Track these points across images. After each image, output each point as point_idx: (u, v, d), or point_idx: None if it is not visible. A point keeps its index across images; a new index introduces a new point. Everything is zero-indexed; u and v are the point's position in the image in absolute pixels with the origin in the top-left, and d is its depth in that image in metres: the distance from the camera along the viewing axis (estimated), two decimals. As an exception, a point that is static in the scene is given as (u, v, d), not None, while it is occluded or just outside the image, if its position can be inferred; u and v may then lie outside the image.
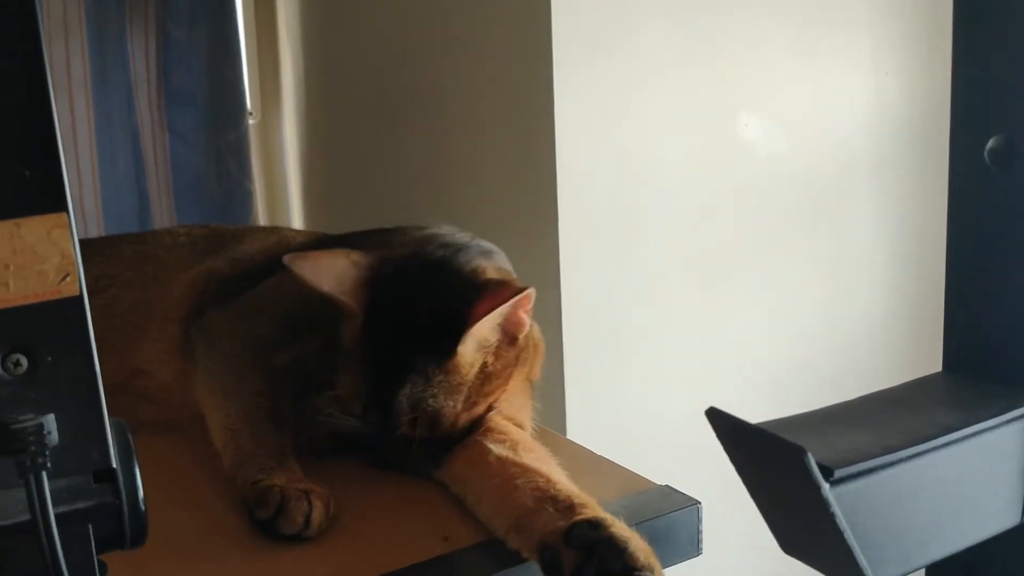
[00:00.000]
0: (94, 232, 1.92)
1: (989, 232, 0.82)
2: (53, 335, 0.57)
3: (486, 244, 1.17)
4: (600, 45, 1.51)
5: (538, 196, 1.54)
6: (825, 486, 0.68)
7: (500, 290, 1.05)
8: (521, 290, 1.04)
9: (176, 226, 1.56)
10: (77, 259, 0.56)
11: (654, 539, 0.86)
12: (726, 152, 1.65)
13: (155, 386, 1.20)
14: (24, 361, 0.56)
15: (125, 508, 0.59)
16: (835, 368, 1.81)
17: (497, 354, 1.07)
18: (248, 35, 2.17)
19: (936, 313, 0.89)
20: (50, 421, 0.57)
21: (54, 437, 0.57)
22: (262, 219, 2.22)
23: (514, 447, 1.02)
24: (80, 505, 0.58)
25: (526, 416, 1.15)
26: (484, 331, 1.05)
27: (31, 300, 0.56)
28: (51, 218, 0.56)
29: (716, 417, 0.75)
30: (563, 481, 0.95)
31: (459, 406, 1.04)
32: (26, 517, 0.55)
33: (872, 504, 0.71)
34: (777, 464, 0.72)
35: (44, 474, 0.55)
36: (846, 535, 0.68)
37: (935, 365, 0.88)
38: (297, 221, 2.27)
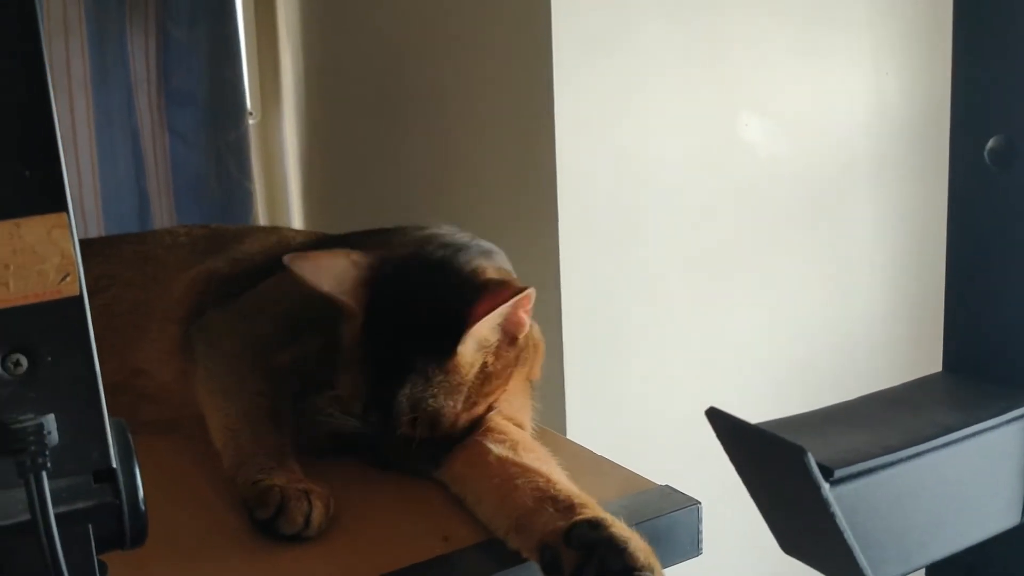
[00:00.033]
0: (94, 232, 1.92)
1: (989, 232, 0.82)
2: (53, 335, 0.57)
3: (486, 244, 1.17)
4: (600, 45, 1.51)
5: (538, 196, 1.54)
6: (825, 486, 0.68)
7: (500, 290, 1.05)
8: (521, 290, 1.04)
9: (176, 226, 1.56)
10: (77, 259, 0.56)
11: (654, 539, 0.86)
12: (726, 152, 1.65)
13: (155, 386, 1.20)
14: (24, 361, 0.56)
15: (125, 508, 0.59)
16: (835, 368, 1.81)
17: (497, 354, 1.07)
18: (248, 35, 2.17)
19: (936, 313, 0.89)
20: (50, 421, 0.57)
21: (54, 437, 0.57)
22: (262, 219, 2.22)
23: (514, 447, 1.02)
24: (80, 505, 0.58)
25: (526, 416, 1.15)
26: (484, 331, 1.05)
27: (31, 300, 0.56)
28: (51, 218, 0.56)
29: (716, 417, 0.75)
30: (563, 481, 0.95)
31: (459, 406, 1.04)
32: (26, 517, 0.55)
33: (872, 504, 0.71)
34: (777, 464, 0.72)
35: (44, 474, 0.55)
36: (846, 535, 0.68)
37: (935, 365, 0.88)
38: (297, 221, 2.27)
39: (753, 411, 0.77)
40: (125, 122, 1.97)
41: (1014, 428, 0.78)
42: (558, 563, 0.85)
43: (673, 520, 0.99)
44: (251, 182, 2.11)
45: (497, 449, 1.02)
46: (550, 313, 1.52)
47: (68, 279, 0.56)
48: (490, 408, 1.08)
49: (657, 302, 1.63)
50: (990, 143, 0.80)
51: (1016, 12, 0.78)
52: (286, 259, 1.06)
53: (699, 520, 1.00)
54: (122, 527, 0.60)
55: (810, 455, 0.67)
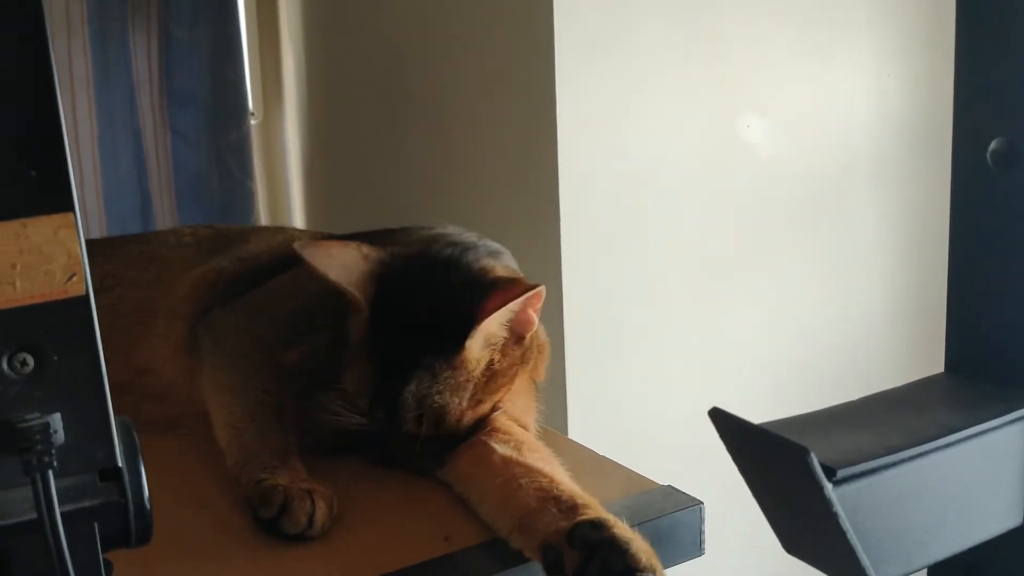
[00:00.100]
0: (96, 232, 1.92)
1: (991, 233, 0.83)
2: (59, 334, 0.57)
3: (493, 244, 1.17)
4: (601, 45, 1.51)
5: (540, 196, 1.54)
6: (828, 486, 0.68)
7: (511, 286, 1.05)
8: (532, 287, 1.04)
9: (180, 226, 1.56)
10: (83, 259, 0.57)
11: (656, 539, 0.87)
12: (728, 152, 1.66)
13: (160, 384, 1.20)
14: (30, 360, 0.57)
15: (131, 507, 0.59)
16: (836, 368, 1.81)
17: (504, 352, 1.07)
18: (250, 35, 2.17)
19: (938, 314, 0.89)
20: (56, 420, 0.57)
21: (60, 436, 0.57)
22: (263, 219, 2.22)
23: (518, 447, 1.02)
24: (86, 504, 0.58)
25: (530, 417, 1.15)
26: (493, 327, 1.05)
27: (37, 300, 0.56)
28: (57, 218, 0.56)
29: (719, 417, 0.75)
30: (566, 482, 0.96)
31: (464, 403, 1.04)
32: (32, 516, 0.55)
33: (874, 504, 0.71)
34: (780, 464, 0.72)
35: (50, 473, 0.55)
36: (848, 535, 0.68)
37: (937, 366, 0.89)
38: (299, 221, 2.27)
39: (754, 411, 0.77)
40: (127, 122, 1.97)
41: (1016, 429, 0.78)
42: (560, 563, 0.86)
43: (675, 520, 0.99)
44: (253, 182, 2.11)
45: (501, 449, 1.02)
46: (551, 313, 1.52)
47: (74, 279, 0.57)
48: (495, 407, 1.08)
49: (658, 302, 1.64)
50: (992, 145, 0.80)
51: (1018, 13, 0.78)
52: (297, 245, 1.06)
53: (701, 520, 1.00)
54: (127, 526, 0.60)
55: (813, 455, 0.67)
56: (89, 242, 0.58)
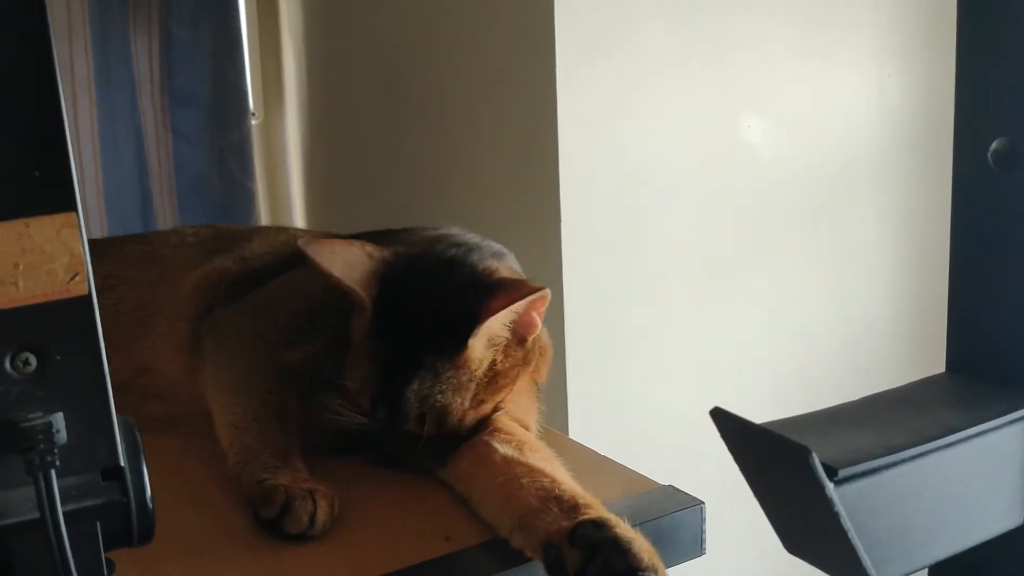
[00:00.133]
0: (97, 231, 1.92)
1: (992, 233, 0.83)
2: (62, 334, 0.57)
3: (496, 246, 1.18)
4: (602, 45, 1.51)
5: (541, 196, 1.54)
6: (829, 486, 0.68)
7: (516, 288, 1.05)
8: (537, 289, 1.04)
9: (182, 226, 1.56)
10: (86, 259, 0.57)
11: (657, 539, 0.87)
12: (728, 153, 1.66)
13: (162, 383, 1.20)
14: (33, 360, 0.57)
15: (133, 506, 0.60)
16: (837, 368, 1.81)
17: (506, 353, 1.07)
18: (251, 35, 2.17)
19: (939, 314, 0.89)
20: (59, 419, 0.57)
21: (63, 435, 0.57)
22: (264, 219, 2.22)
23: (520, 447, 1.02)
24: (88, 503, 0.58)
25: (532, 418, 1.15)
26: (496, 327, 1.05)
27: (40, 299, 0.56)
28: (60, 218, 0.56)
29: (720, 417, 0.75)
30: (568, 482, 0.96)
31: (467, 403, 1.04)
32: (35, 515, 0.56)
33: (876, 504, 0.71)
34: (781, 464, 0.72)
35: (53, 472, 0.55)
36: (850, 535, 0.68)
37: (938, 366, 0.89)
38: (299, 221, 2.27)
39: (755, 412, 0.77)
40: (128, 122, 1.97)
41: (1017, 429, 0.78)
42: (562, 563, 0.86)
43: (676, 520, 0.99)
44: (253, 182, 2.11)
45: (503, 449, 1.02)
46: (552, 313, 1.51)
47: (77, 278, 0.57)
48: (496, 408, 1.08)
49: (659, 302, 1.64)
50: (993, 145, 0.80)
51: (1019, 13, 0.78)
52: (301, 243, 1.06)
53: (702, 520, 1.00)
54: (130, 525, 0.60)
55: (814, 455, 0.67)
56: (91, 242, 0.58)
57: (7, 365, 0.56)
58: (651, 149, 1.58)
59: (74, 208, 0.56)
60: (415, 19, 1.83)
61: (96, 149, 1.92)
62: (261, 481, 0.97)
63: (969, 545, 0.77)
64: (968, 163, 0.83)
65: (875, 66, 1.77)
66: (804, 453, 0.67)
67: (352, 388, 1.05)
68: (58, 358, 0.57)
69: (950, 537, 0.76)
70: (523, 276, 1.16)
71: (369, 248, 1.09)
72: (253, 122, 2.15)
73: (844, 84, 1.75)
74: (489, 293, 1.04)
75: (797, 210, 1.74)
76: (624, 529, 0.85)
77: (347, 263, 1.06)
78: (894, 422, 0.78)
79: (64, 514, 0.55)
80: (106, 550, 0.60)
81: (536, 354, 1.14)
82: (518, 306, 1.04)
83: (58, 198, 0.56)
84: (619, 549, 0.83)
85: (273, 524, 0.94)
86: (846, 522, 0.68)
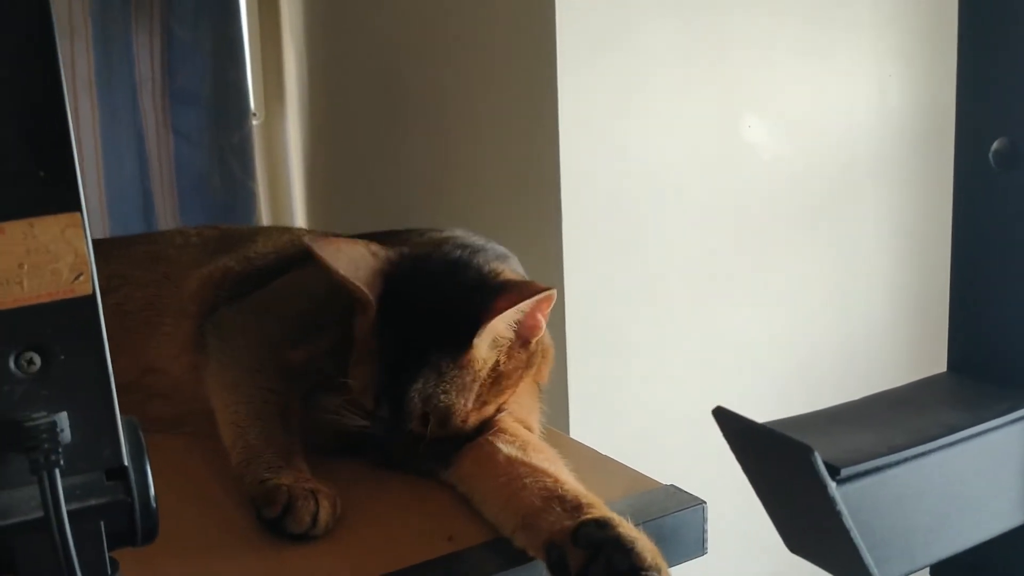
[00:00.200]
0: (98, 232, 1.92)
1: (993, 233, 0.83)
2: (66, 334, 0.57)
3: (500, 248, 1.18)
4: (603, 45, 1.52)
5: (542, 196, 1.54)
6: (831, 485, 0.68)
7: (521, 288, 1.06)
8: (543, 289, 1.04)
9: (186, 227, 1.57)
10: (90, 258, 0.57)
11: (659, 538, 0.87)
12: (729, 153, 1.66)
13: (166, 382, 1.20)
14: (37, 359, 0.57)
15: (137, 505, 0.60)
16: (838, 368, 1.81)
17: (509, 354, 1.07)
18: (252, 36, 2.17)
19: (940, 314, 0.89)
20: (63, 419, 0.57)
21: (67, 435, 0.57)
22: (265, 219, 2.22)
23: (523, 448, 1.03)
24: (92, 502, 0.59)
25: (534, 418, 1.15)
26: (501, 328, 1.05)
27: (44, 299, 0.56)
28: (64, 218, 0.56)
29: (723, 416, 0.76)
30: (571, 481, 0.96)
31: (470, 404, 1.04)
32: (39, 514, 0.56)
33: (878, 503, 0.71)
34: (784, 463, 0.72)
35: (57, 471, 0.56)
36: (852, 534, 0.68)
37: (939, 365, 0.89)
38: (300, 221, 2.27)
39: (756, 411, 0.78)
40: (129, 122, 1.97)
41: (1018, 428, 0.78)
42: (564, 562, 0.86)
43: (678, 520, 0.99)
44: (254, 182, 2.11)
45: (506, 449, 1.02)
46: (553, 313, 1.51)
47: (81, 278, 0.57)
48: (499, 409, 1.08)
49: (660, 302, 1.64)
50: (994, 145, 0.80)
51: (1020, 13, 0.78)
52: (307, 239, 1.07)
53: (704, 520, 1.00)
54: (133, 524, 0.60)
55: (817, 454, 0.67)
56: (95, 242, 0.58)
57: (11, 364, 0.56)
58: (652, 149, 1.58)
59: (78, 208, 0.56)
60: (415, 19, 1.84)
61: (97, 149, 1.93)
62: (264, 481, 0.98)
63: (970, 544, 0.77)
64: (969, 163, 0.83)
65: (875, 66, 1.77)
66: (806, 452, 0.67)
67: (355, 386, 1.06)
68: (62, 358, 0.57)
69: (952, 536, 0.76)
70: (527, 278, 1.17)
71: (374, 248, 1.09)
72: (254, 122, 2.15)
73: (844, 84, 1.76)
74: (494, 294, 1.05)
75: (798, 210, 1.74)
76: (627, 528, 0.85)
77: (352, 261, 1.06)
78: (896, 422, 0.78)
79: (68, 513, 0.56)
80: (110, 549, 0.60)
81: (539, 356, 1.14)
82: (524, 306, 1.04)
83: (62, 198, 0.56)
84: (622, 548, 0.83)
85: (276, 524, 0.94)
86: (848, 521, 0.68)
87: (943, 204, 0.90)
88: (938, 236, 0.92)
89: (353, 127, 2.05)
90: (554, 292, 1.05)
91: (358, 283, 1.05)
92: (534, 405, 1.16)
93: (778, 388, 1.76)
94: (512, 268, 1.15)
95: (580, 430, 1.55)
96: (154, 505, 0.60)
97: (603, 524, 0.85)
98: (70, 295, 0.57)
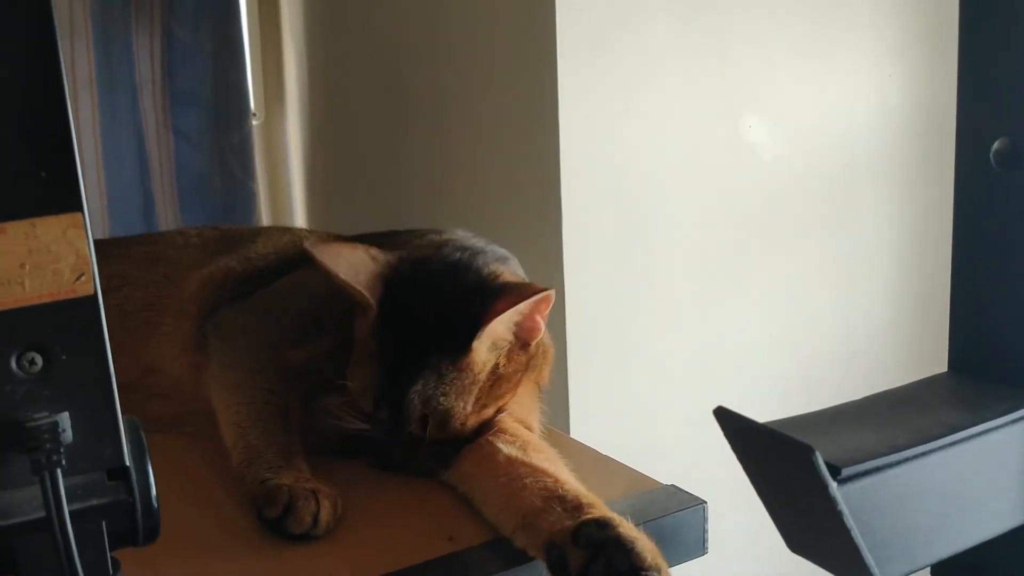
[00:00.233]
0: (99, 232, 1.92)
1: (994, 233, 0.83)
2: (68, 334, 0.57)
3: (501, 250, 1.18)
4: (604, 45, 1.52)
5: (542, 195, 1.54)
6: (832, 484, 0.68)
7: (520, 289, 1.06)
8: (541, 290, 1.04)
9: (186, 228, 1.57)
10: (92, 259, 0.57)
11: (660, 538, 0.87)
12: (730, 152, 1.66)
13: (167, 383, 1.21)
14: (39, 359, 0.57)
15: (138, 505, 0.60)
16: (839, 368, 1.81)
17: (509, 357, 1.07)
18: (252, 36, 2.17)
19: (942, 313, 0.89)
20: (64, 419, 0.57)
21: (68, 435, 0.57)
22: (265, 220, 2.23)
23: (523, 448, 1.03)
24: (94, 502, 0.59)
25: (534, 418, 1.15)
26: (500, 329, 1.05)
27: (46, 299, 0.56)
28: (66, 218, 0.56)
29: (724, 416, 0.76)
30: (571, 481, 0.96)
31: (469, 407, 1.04)
32: (41, 514, 0.56)
33: (879, 503, 0.71)
34: (785, 463, 0.72)
35: (59, 471, 0.56)
36: (853, 533, 0.68)
37: (940, 365, 0.89)
38: (300, 221, 2.28)
39: (757, 411, 0.78)
40: (130, 122, 1.97)
41: (1019, 428, 0.78)
42: (565, 562, 0.86)
43: (679, 520, 0.99)
44: (254, 182, 2.12)
45: (506, 449, 1.02)
46: (554, 312, 1.51)
47: (83, 278, 0.57)
48: (499, 411, 1.09)
49: (660, 302, 1.64)
50: (995, 145, 0.80)
51: (1021, 13, 0.78)
52: (307, 244, 1.07)
53: (705, 520, 1.00)
54: (135, 524, 0.60)
55: (818, 453, 0.67)
56: (96, 243, 0.58)
57: (13, 365, 0.56)
58: (652, 149, 1.58)
59: (80, 208, 0.56)
60: (415, 19, 1.84)
61: (98, 150, 1.93)
62: (265, 481, 0.98)
63: (971, 544, 0.77)
64: (970, 163, 0.83)
65: (875, 66, 1.77)
66: (807, 452, 0.67)
67: (354, 388, 1.06)
68: (64, 358, 0.57)
69: (952, 536, 0.76)
70: (527, 280, 1.17)
71: (374, 251, 1.10)
72: (254, 122, 2.15)
73: (844, 84, 1.76)
74: (494, 296, 1.05)
75: (799, 209, 1.74)
76: (627, 528, 0.85)
77: (352, 265, 1.07)
78: (896, 421, 0.78)
79: (70, 513, 0.56)
80: (111, 549, 0.60)
81: (540, 359, 1.14)
82: (522, 307, 1.04)
83: (64, 198, 0.56)
84: (622, 548, 0.83)
85: (276, 524, 0.94)
86: (849, 521, 0.68)
87: (943, 204, 0.90)
88: (939, 236, 0.92)
89: (353, 127, 2.05)
90: (552, 293, 1.05)
91: (358, 287, 1.05)
92: (534, 405, 1.16)
93: (779, 388, 1.76)
94: (512, 270, 1.16)
95: (580, 430, 1.55)
96: (156, 505, 0.60)
97: (603, 524, 0.85)
98: (72, 295, 0.57)
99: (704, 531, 1.00)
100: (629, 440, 1.56)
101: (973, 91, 0.82)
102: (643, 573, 0.82)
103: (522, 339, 1.08)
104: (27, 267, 0.55)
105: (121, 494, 0.59)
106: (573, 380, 1.55)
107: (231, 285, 1.24)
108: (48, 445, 0.56)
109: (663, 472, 1.07)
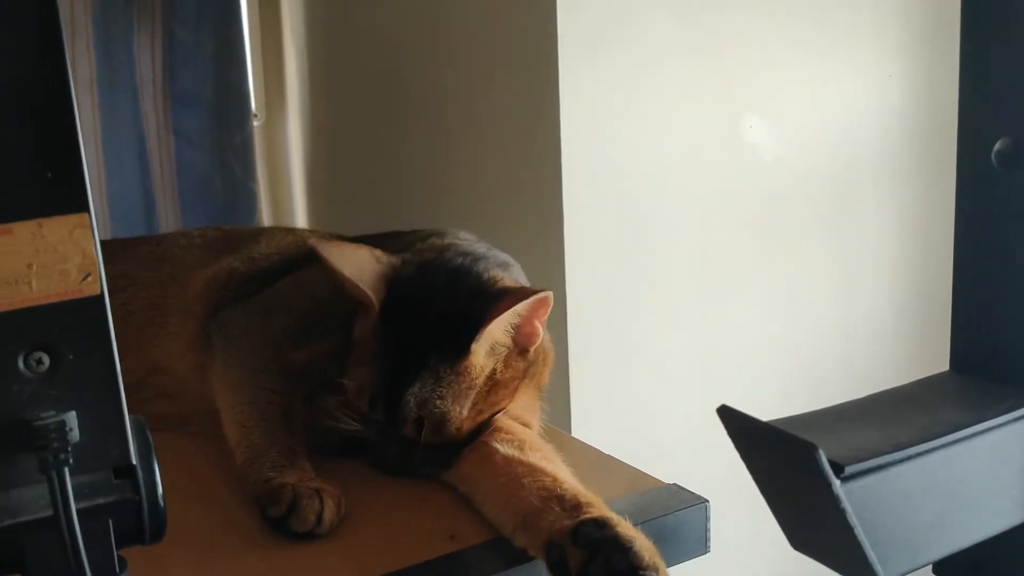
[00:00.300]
0: (101, 233, 1.92)
1: (996, 233, 0.83)
2: (74, 333, 0.58)
3: (503, 256, 1.19)
4: (604, 44, 1.52)
5: (543, 195, 1.55)
6: (836, 482, 0.68)
7: (517, 292, 1.07)
8: (539, 291, 1.04)
9: (190, 229, 1.57)
10: (98, 259, 0.57)
11: (662, 537, 0.87)
12: (731, 152, 1.66)
13: (171, 382, 1.21)
14: (46, 359, 0.57)
15: (145, 504, 0.60)
16: (841, 368, 1.81)
17: (507, 363, 1.08)
18: (253, 37, 2.17)
19: (943, 313, 0.90)
20: (71, 418, 0.57)
21: (75, 434, 0.58)
22: (266, 220, 2.23)
23: (521, 446, 1.03)
24: (101, 501, 0.59)
25: (533, 415, 1.15)
26: (498, 333, 1.06)
27: (53, 299, 0.57)
28: (73, 218, 0.56)
29: (727, 415, 0.76)
30: (569, 480, 0.96)
31: (464, 412, 1.05)
32: (48, 512, 0.56)
33: (881, 501, 0.71)
34: (788, 461, 0.72)
35: (66, 470, 0.56)
36: (856, 531, 0.68)
37: (942, 364, 0.89)
38: (301, 222, 2.28)
39: (758, 411, 0.78)
40: (131, 124, 1.98)
41: (1021, 427, 0.78)
42: (564, 562, 0.86)
43: (681, 518, 0.99)
44: (255, 183, 2.12)
45: (504, 448, 1.02)
46: (555, 311, 1.51)
47: (89, 279, 0.57)
48: (494, 415, 1.09)
49: (661, 301, 1.64)
50: (997, 145, 0.80)
51: (1023, 13, 0.78)
52: (312, 242, 1.08)
53: (707, 518, 1.00)
54: (142, 523, 0.60)
55: (821, 451, 0.67)
56: (101, 243, 0.58)
57: (20, 364, 0.56)
58: (653, 148, 1.59)
59: (86, 209, 0.56)
60: (415, 19, 1.84)
61: (99, 151, 1.93)
62: (268, 480, 0.98)
63: (973, 542, 0.78)
64: (972, 163, 0.83)
65: (875, 66, 1.77)
66: (811, 450, 0.68)
67: (351, 388, 1.06)
68: (71, 357, 0.58)
69: (954, 534, 0.76)
70: (528, 285, 1.17)
71: (378, 253, 1.11)
72: (255, 123, 2.15)
73: (845, 84, 1.76)
74: (492, 300, 1.05)
75: (800, 209, 1.75)
76: (625, 528, 0.86)
77: (357, 264, 1.07)
78: (899, 420, 0.78)
79: (77, 512, 0.56)
80: (118, 548, 0.61)
81: (540, 365, 1.15)
82: (520, 307, 1.05)
83: (70, 199, 0.56)
84: (621, 548, 0.83)
85: (280, 523, 0.95)
86: (852, 519, 0.68)
87: (945, 204, 0.90)
88: (940, 236, 0.92)
89: (354, 127, 2.06)
90: (550, 295, 1.05)
91: (362, 286, 1.06)
92: (534, 404, 1.16)
93: (779, 388, 1.76)
94: (513, 277, 1.16)
95: (582, 429, 1.55)
96: (162, 504, 0.61)
97: (602, 524, 0.86)
98: (78, 295, 0.57)
99: (706, 530, 1.00)
100: (630, 439, 1.56)
101: (975, 91, 0.82)
102: (641, 572, 0.82)
103: (520, 344, 1.09)
104: (34, 267, 0.56)
105: (128, 493, 0.60)
106: (574, 379, 1.55)
107: (235, 285, 1.25)
108: (55, 444, 0.56)
109: (664, 471, 1.07)
